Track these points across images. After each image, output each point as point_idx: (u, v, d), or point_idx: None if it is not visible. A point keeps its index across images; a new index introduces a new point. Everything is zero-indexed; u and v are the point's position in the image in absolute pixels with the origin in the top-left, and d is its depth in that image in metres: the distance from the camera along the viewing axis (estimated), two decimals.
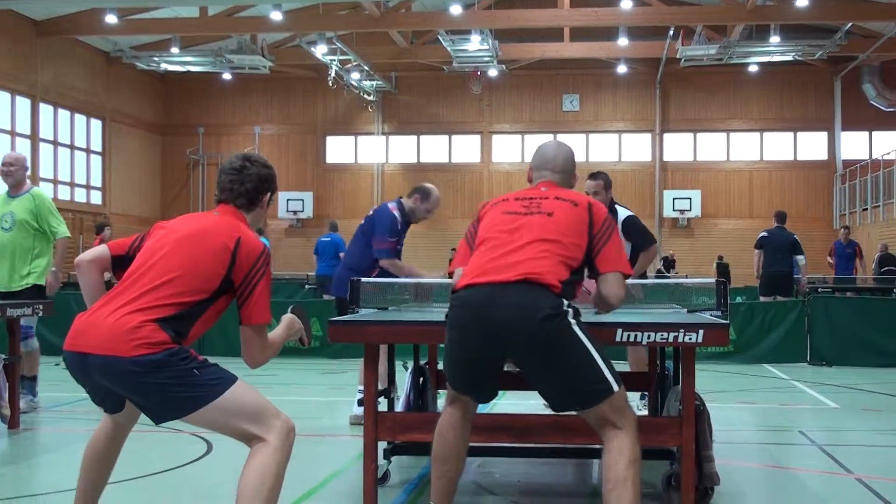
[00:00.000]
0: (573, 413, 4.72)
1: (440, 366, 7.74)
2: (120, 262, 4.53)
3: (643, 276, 9.38)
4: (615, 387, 4.58)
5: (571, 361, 4.53)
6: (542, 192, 4.95)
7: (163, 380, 4.09)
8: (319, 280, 20.53)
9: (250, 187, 4.59)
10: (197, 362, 4.17)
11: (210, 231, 4.39)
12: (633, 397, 8.88)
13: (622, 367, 8.86)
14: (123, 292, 4.25)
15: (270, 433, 4.21)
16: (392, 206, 8.96)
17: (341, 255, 20.23)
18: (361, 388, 8.51)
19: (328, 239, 20.79)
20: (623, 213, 9.09)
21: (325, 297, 18.98)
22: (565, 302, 4.55)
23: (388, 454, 6.16)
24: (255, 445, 4.22)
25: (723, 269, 31.56)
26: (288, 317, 4.74)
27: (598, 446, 6.07)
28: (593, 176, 9.15)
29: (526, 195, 4.95)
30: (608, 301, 4.85)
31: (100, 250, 4.61)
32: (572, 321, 4.55)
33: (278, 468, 4.19)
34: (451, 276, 5.03)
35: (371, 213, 9.13)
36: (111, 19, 28.97)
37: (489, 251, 4.72)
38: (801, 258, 17.19)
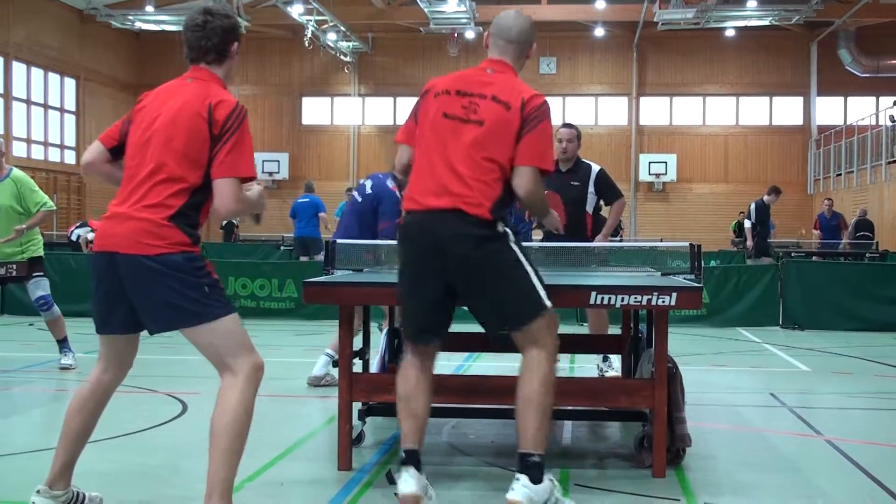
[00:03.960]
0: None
1: None
2: (118, 151, 4.62)
3: (617, 233, 9.49)
4: (547, 303, 4.75)
5: (509, 278, 4.71)
6: (485, 79, 4.91)
7: (174, 283, 4.25)
8: (300, 241, 20.46)
9: (216, 41, 4.65)
10: (210, 279, 4.35)
11: (182, 110, 4.42)
12: (597, 360, 8.95)
13: (583, 330, 8.94)
14: (132, 189, 4.37)
15: (243, 367, 4.34)
16: (391, 185, 8.77)
17: (321, 214, 20.21)
18: (330, 351, 8.56)
19: (306, 200, 20.71)
20: (595, 167, 9.25)
21: (303, 258, 18.90)
22: (500, 225, 4.73)
23: (362, 415, 6.18)
24: (225, 377, 4.35)
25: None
26: (261, 187, 4.77)
27: (569, 407, 6.15)
28: (568, 125, 9.28)
29: (468, 88, 4.86)
30: (521, 198, 4.80)
31: (94, 148, 4.68)
32: (510, 242, 4.76)
33: (248, 403, 4.31)
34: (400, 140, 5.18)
35: (368, 191, 8.83)
36: None
37: (425, 168, 4.83)
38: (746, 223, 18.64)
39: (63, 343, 9.66)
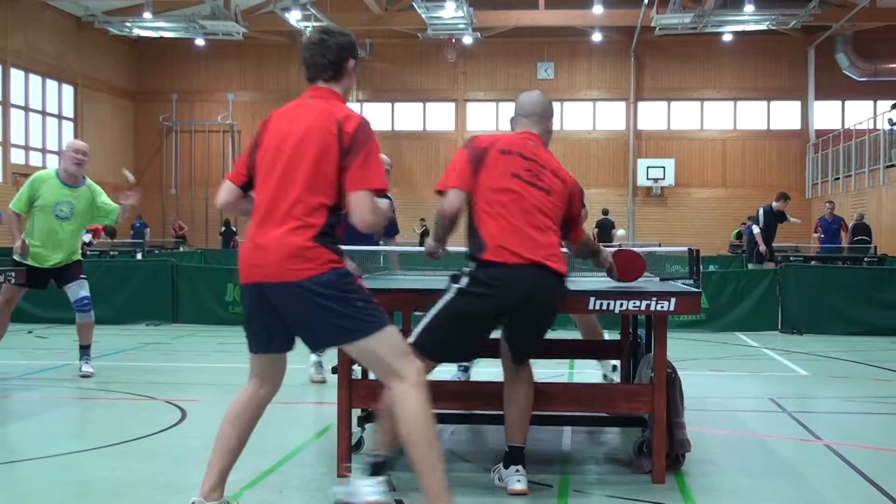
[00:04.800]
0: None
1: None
2: (249, 185, 4.66)
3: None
4: None
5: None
6: (537, 154, 5.33)
7: (331, 302, 4.29)
8: None
9: (333, 58, 4.67)
10: (363, 292, 4.42)
11: (312, 130, 4.43)
12: (595, 365, 8.94)
13: (575, 334, 8.91)
14: (269, 214, 4.39)
15: (410, 372, 4.41)
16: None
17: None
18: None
19: None
20: None
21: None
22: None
23: (361, 422, 6.18)
24: (394, 386, 4.41)
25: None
26: (388, 200, 4.95)
27: (569, 413, 6.15)
28: None
29: (528, 153, 5.30)
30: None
31: (226, 188, 4.73)
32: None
33: (427, 405, 4.39)
34: (440, 192, 5.29)
35: None
36: None
37: (511, 221, 5.11)
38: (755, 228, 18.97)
39: (86, 350, 9.67)
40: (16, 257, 9.38)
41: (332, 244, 4.37)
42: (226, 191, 4.71)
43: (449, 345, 5.16)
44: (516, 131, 5.50)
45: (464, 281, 5.10)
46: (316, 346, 4.56)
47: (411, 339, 4.95)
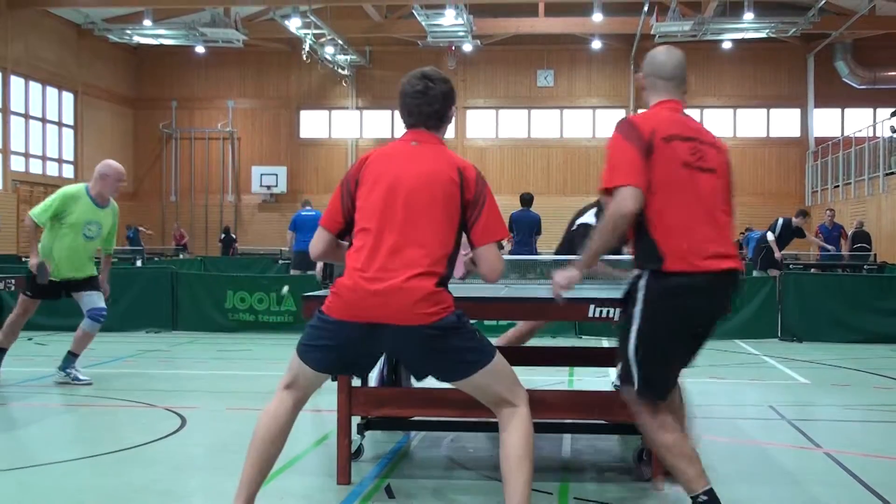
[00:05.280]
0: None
1: None
2: (344, 232, 4.63)
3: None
4: None
5: None
6: (692, 128, 4.69)
7: (457, 342, 4.34)
8: (303, 255, 20.29)
9: (438, 108, 4.66)
10: (473, 325, 4.45)
11: (436, 177, 4.43)
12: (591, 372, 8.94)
13: (581, 343, 8.93)
14: (391, 256, 4.33)
15: (520, 400, 4.49)
16: None
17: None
18: None
19: (311, 213, 20.59)
20: None
21: (295, 272, 18.71)
22: None
23: (361, 429, 6.18)
24: (505, 411, 4.48)
25: None
26: None
27: (568, 421, 6.15)
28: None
29: (686, 131, 4.64)
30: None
31: (321, 237, 4.65)
32: None
33: (532, 432, 4.47)
34: (608, 191, 4.52)
35: None
36: None
37: (691, 221, 4.51)
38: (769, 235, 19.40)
39: (75, 358, 9.60)
40: (37, 276, 9.35)
41: (448, 287, 4.42)
42: (322, 241, 4.64)
43: (667, 373, 4.71)
44: (655, 100, 4.84)
45: (640, 297, 4.57)
46: (440, 378, 4.57)
47: (633, 392, 4.64)
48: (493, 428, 6.35)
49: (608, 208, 4.47)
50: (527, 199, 18.46)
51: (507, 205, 32.71)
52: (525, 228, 18.05)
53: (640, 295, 4.54)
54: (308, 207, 20.70)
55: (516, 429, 4.43)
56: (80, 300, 9.61)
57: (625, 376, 4.65)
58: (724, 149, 4.76)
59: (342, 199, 4.58)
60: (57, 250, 9.37)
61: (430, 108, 4.64)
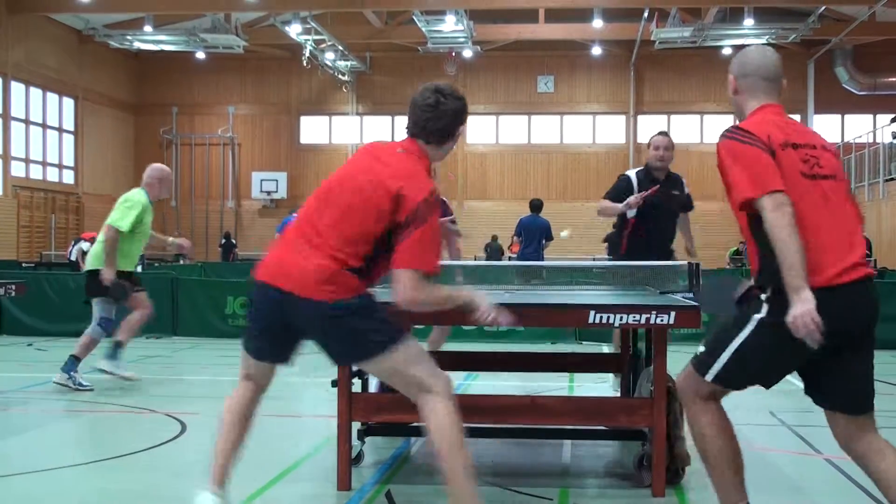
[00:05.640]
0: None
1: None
2: None
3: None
4: None
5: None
6: (802, 133, 4.35)
7: (357, 323, 4.40)
8: None
9: (446, 123, 4.66)
10: (383, 311, 4.49)
11: (371, 184, 4.46)
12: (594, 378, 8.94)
13: (581, 349, 8.93)
14: (311, 236, 4.46)
15: (437, 387, 4.47)
16: None
17: None
18: None
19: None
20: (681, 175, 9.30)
21: None
22: None
23: (361, 435, 6.17)
24: (423, 399, 4.48)
25: None
26: (479, 294, 4.75)
27: (568, 427, 6.15)
28: (664, 133, 9.14)
29: (797, 137, 4.28)
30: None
31: None
32: None
33: (456, 416, 4.43)
34: (750, 204, 4.08)
35: None
36: None
37: (815, 233, 4.05)
38: None
39: (78, 362, 9.62)
40: (108, 283, 9.59)
41: (364, 276, 4.43)
42: None
43: (758, 374, 4.45)
44: (755, 104, 4.49)
45: (765, 310, 4.17)
46: (341, 362, 4.74)
47: (710, 375, 4.33)
48: (493, 434, 6.37)
49: (775, 220, 3.98)
50: (536, 205, 18.52)
51: (507, 210, 32.75)
52: (534, 234, 18.09)
53: (765, 304, 4.16)
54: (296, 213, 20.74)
55: (432, 418, 4.43)
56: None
57: (703, 364, 4.36)
58: (836, 152, 4.44)
59: None
60: (132, 253, 9.86)
61: (438, 122, 4.64)
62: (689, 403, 4.45)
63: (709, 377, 4.34)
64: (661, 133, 9.08)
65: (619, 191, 8.72)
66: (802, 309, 3.95)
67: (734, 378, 4.39)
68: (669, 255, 8.81)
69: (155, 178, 10.02)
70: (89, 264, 9.90)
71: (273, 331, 4.60)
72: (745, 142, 4.15)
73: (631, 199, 8.46)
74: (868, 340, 4.32)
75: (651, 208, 8.54)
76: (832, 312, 3.98)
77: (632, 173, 8.93)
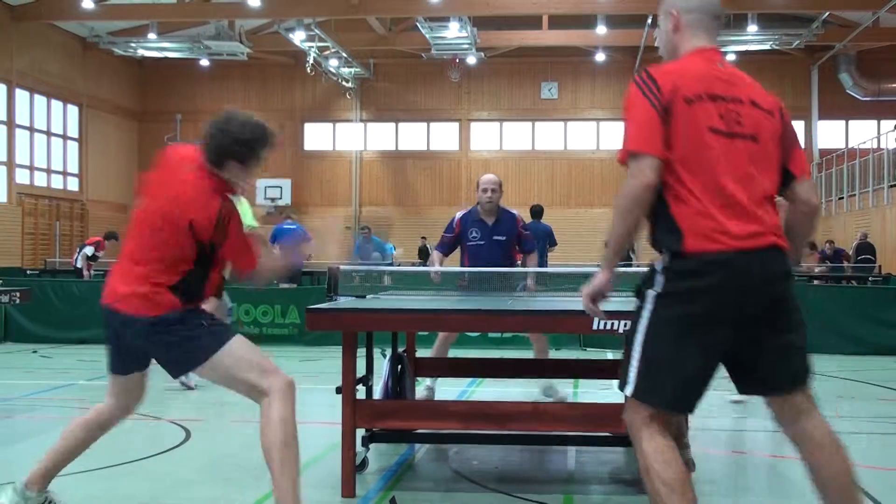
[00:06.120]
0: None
1: (419, 353, 7.79)
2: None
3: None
4: None
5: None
6: (728, 82, 3.91)
7: (173, 337, 4.61)
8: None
9: (213, 156, 4.84)
10: (200, 320, 4.65)
11: (172, 209, 4.69)
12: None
13: (586, 355, 8.93)
14: (133, 254, 4.71)
15: (272, 386, 4.56)
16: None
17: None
18: None
19: (294, 227, 20.80)
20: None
21: (284, 285, 18.78)
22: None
23: (365, 441, 6.17)
24: (261, 400, 4.57)
25: None
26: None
27: (573, 433, 6.14)
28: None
29: (718, 88, 3.85)
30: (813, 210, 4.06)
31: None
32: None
33: (292, 416, 4.54)
34: (629, 155, 3.87)
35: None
36: (87, 4, 28.80)
37: (716, 194, 3.70)
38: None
39: None
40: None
41: (182, 293, 4.63)
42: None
43: (676, 377, 3.74)
44: (690, 46, 4.01)
45: (659, 281, 3.76)
46: (174, 374, 4.93)
47: (628, 390, 3.83)
48: (498, 440, 6.36)
49: (628, 183, 3.79)
50: (537, 211, 18.50)
51: None
52: (538, 240, 18.09)
53: (658, 276, 3.78)
54: (289, 220, 20.92)
55: (263, 419, 4.54)
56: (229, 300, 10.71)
57: (622, 381, 3.90)
58: (774, 106, 4.04)
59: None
60: None
61: (208, 148, 4.86)
62: (634, 433, 3.85)
63: (628, 392, 3.83)
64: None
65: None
66: (592, 286, 3.88)
67: (655, 386, 3.77)
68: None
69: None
70: None
71: (115, 345, 4.83)
72: (642, 91, 3.86)
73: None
74: (785, 313, 3.83)
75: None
76: (732, 279, 3.67)
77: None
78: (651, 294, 3.77)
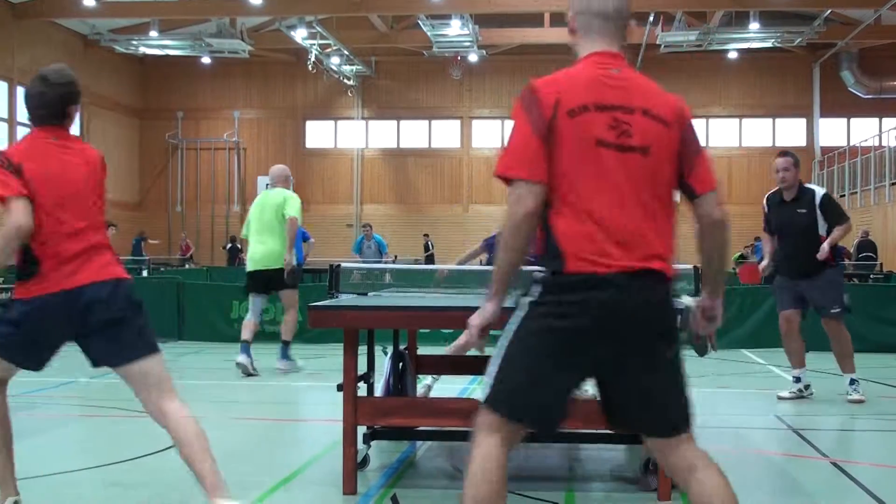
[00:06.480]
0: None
1: (420, 350, 7.78)
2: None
3: (837, 255, 9.84)
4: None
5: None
6: (620, 90, 3.62)
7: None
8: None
9: (54, 109, 5.08)
10: (9, 312, 4.78)
11: (83, 165, 5.06)
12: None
13: None
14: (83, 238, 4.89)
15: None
16: None
17: (313, 241, 20.23)
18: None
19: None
20: (819, 191, 9.55)
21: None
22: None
23: (367, 439, 6.17)
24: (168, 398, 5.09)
25: None
26: None
27: (574, 430, 6.14)
28: (783, 154, 9.55)
29: (607, 97, 3.57)
30: (721, 227, 3.72)
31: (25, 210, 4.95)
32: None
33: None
34: (504, 179, 3.57)
35: None
36: (89, 2, 28.84)
37: (598, 212, 3.49)
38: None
39: (289, 345, 11.66)
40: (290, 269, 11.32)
41: (23, 277, 4.70)
42: (25, 212, 4.69)
43: (528, 388, 3.53)
44: (586, 50, 3.74)
45: (536, 291, 3.56)
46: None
47: (481, 395, 3.63)
48: None
49: (508, 210, 3.52)
50: None
51: None
52: None
53: (536, 285, 3.57)
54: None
55: (182, 418, 4.94)
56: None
57: (482, 387, 3.68)
58: (671, 116, 3.67)
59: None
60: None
61: (47, 109, 5.01)
62: (475, 434, 3.61)
63: (480, 397, 3.64)
64: (781, 154, 9.59)
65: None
66: (481, 318, 3.61)
67: (509, 396, 3.56)
68: None
69: (286, 176, 11.69)
70: (268, 264, 11.25)
71: (57, 334, 5.07)
72: (523, 107, 3.59)
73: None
74: (661, 349, 3.58)
75: None
76: (606, 303, 3.45)
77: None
78: (525, 301, 3.58)
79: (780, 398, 9.61)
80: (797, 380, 9.68)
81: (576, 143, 3.49)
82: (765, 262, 9.71)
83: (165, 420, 4.69)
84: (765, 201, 9.81)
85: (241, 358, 11.06)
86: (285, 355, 11.57)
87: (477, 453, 3.53)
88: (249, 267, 11.58)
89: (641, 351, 3.54)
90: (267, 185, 11.81)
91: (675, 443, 3.66)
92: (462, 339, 3.64)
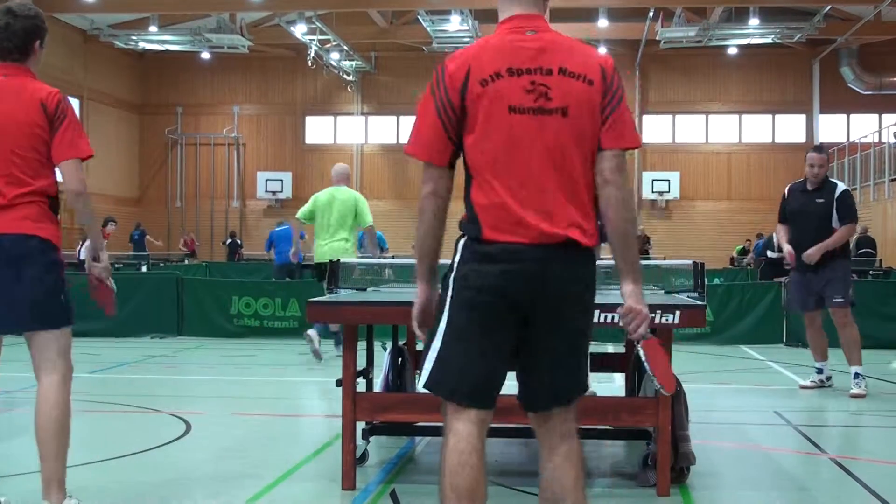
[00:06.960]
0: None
1: (419, 346, 7.78)
2: None
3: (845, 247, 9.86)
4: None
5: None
6: (536, 52, 3.53)
7: None
8: (284, 268, 20.37)
9: (19, 42, 4.80)
10: None
11: (15, 113, 4.73)
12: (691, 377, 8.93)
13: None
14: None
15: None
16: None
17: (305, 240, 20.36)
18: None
19: (285, 227, 21.22)
20: (841, 186, 9.74)
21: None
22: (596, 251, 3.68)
23: (366, 434, 6.17)
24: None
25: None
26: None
27: (577, 426, 6.13)
28: (818, 149, 9.79)
29: (523, 61, 3.50)
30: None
31: None
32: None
33: (67, 397, 5.05)
34: (414, 154, 3.73)
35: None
36: None
37: (514, 179, 3.46)
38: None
39: (337, 334, 11.64)
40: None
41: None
42: None
43: (465, 368, 3.52)
44: (505, 16, 3.74)
45: (456, 263, 3.56)
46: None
47: (420, 381, 3.65)
48: (498, 433, 6.35)
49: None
50: None
51: None
52: None
53: (456, 259, 3.57)
54: (281, 225, 21.36)
55: (52, 393, 5.01)
56: None
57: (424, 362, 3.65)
58: (593, 74, 3.58)
59: None
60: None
61: (10, 42, 4.80)
62: (444, 425, 3.61)
63: (420, 382, 3.63)
64: (815, 149, 9.82)
65: None
66: (416, 308, 3.70)
67: (445, 377, 3.55)
68: None
69: (346, 175, 12.21)
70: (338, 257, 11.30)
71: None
72: (431, 87, 3.57)
73: None
74: (561, 321, 3.54)
75: None
76: (521, 272, 3.43)
77: None
78: (450, 280, 3.56)
79: (801, 387, 9.95)
80: (819, 371, 10.00)
81: (488, 112, 3.45)
82: (788, 248, 9.74)
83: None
84: (786, 190, 9.91)
85: (312, 332, 11.46)
86: (339, 341, 11.62)
87: (449, 439, 3.52)
88: (318, 259, 11.81)
89: (551, 316, 3.51)
90: (334, 181, 12.17)
91: (547, 415, 3.76)
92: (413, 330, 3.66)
